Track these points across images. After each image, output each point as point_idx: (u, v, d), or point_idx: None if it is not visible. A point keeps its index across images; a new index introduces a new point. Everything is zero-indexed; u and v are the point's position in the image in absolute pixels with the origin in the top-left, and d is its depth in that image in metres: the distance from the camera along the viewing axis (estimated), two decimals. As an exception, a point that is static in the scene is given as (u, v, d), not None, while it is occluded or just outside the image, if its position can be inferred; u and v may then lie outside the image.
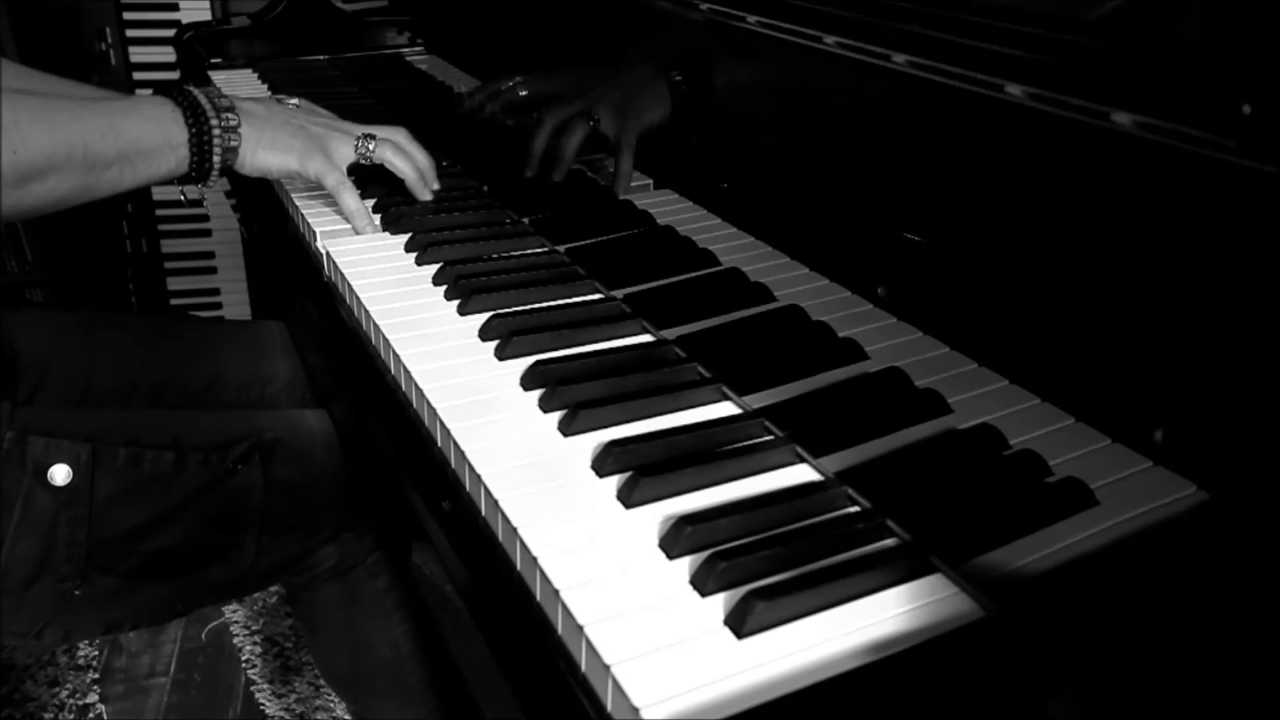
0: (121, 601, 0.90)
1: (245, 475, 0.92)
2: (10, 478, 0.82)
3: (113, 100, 0.85)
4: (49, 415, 0.88)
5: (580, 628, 0.48)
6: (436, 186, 1.03)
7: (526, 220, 1.00)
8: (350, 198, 0.95)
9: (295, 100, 1.15)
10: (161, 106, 0.87)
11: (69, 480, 0.84)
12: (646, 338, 0.78)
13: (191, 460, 0.90)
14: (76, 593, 0.86)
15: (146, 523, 0.88)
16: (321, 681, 1.52)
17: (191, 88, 0.89)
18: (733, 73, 0.98)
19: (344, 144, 0.97)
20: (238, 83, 1.55)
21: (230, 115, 0.90)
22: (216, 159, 0.89)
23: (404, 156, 1.00)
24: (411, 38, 1.79)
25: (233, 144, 0.90)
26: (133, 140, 0.82)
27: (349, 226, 0.97)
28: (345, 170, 0.97)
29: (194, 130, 0.87)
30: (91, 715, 1.48)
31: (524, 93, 1.23)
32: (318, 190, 1.00)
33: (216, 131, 0.88)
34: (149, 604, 0.94)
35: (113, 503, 0.86)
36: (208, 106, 0.88)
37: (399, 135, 1.01)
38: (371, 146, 0.98)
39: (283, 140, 0.94)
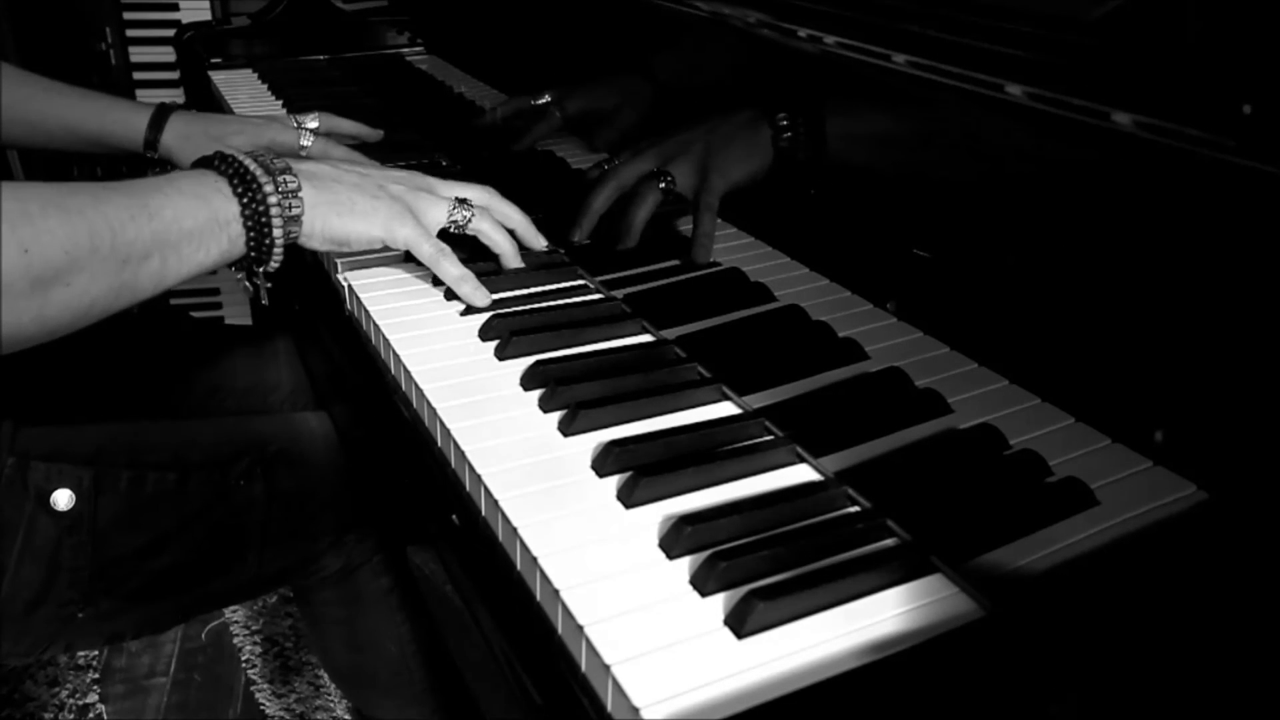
0: (124, 617, 0.90)
1: (247, 490, 0.91)
2: (12, 504, 0.81)
3: (138, 180, 0.71)
4: (50, 436, 0.86)
5: (580, 628, 0.48)
6: (543, 244, 0.89)
7: (526, 220, 1.00)
8: (452, 265, 0.80)
9: (313, 118, 1.12)
10: (201, 178, 0.72)
11: (71, 505, 0.83)
12: (646, 338, 0.78)
13: (194, 479, 0.89)
14: (80, 615, 0.86)
15: (149, 543, 0.87)
16: (321, 681, 1.52)
17: (234, 152, 0.75)
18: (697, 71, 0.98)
19: (435, 207, 0.82)
20: (238, 83, 1.55)
21: (288, 178, 0.75)
22: (278, 232, 0.74)
23: (500, 229, 0.85)
24: (411, 38, 1.80)
25: (295, 211, 0.75)
26: (170, 220, 0.68)
27: None
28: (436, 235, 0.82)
29: (245, 199, 0.72)
30: (91, 715, 1.48)
31: (559, 113, 1.17)
32: None
33: (273, 199, 0.73)
34: (150, 616, 0.94)
35: (116, 526, 0.85)
36: (256, 170, 0.73)
37: (492, 198, 0.86)
38: (469, 215, 0.82)
39: (362, 203, 0.78)
